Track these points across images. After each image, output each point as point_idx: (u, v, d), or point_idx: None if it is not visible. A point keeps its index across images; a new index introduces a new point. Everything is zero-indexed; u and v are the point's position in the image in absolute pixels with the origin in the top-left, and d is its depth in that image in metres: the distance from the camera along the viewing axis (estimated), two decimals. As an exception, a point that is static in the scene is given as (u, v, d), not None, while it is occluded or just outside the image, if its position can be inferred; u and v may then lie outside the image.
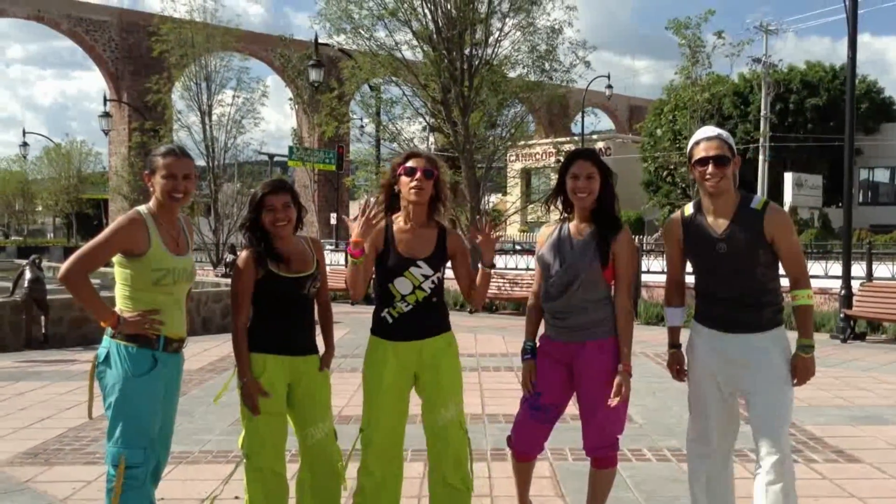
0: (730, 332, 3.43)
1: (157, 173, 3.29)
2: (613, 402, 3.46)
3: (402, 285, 3.52)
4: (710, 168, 3.35)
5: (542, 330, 3.75)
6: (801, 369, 3.40)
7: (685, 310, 3.70)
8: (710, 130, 3.48)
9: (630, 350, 3.54)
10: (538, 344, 3.72)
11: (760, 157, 37.10)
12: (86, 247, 3.25)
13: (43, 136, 78.69)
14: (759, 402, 3.38)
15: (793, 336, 3.45)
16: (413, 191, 3.51)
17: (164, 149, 3.37)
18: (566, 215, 3.67)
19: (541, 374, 3.64)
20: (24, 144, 46.97)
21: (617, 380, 3.47)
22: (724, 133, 3.47)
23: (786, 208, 32.50)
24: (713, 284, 3.47)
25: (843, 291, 12.28)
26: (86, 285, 3.22)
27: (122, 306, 3.28)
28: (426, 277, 3.52)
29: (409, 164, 3.55)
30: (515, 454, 3.78)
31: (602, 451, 3.64)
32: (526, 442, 3.72)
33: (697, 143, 3.43)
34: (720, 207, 3.40)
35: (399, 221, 3.61)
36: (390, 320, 3.55)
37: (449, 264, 3.67)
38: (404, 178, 3.54)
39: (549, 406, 3.63)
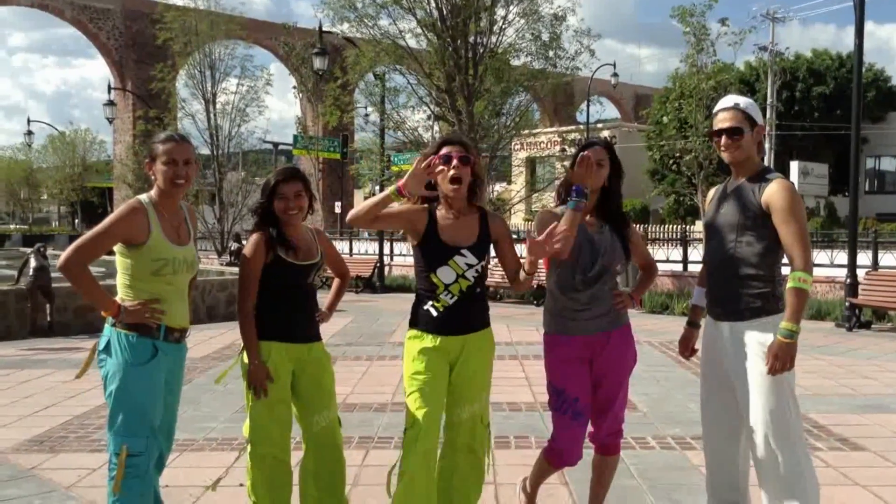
0: (718, 320, 3.38)
1: (158, 160, 3.28)
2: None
3: (444, 274, 3.40)
4: (724, 140, 3.33)
5: (541, 330, 3.69)
6: (774, 353, 3.12)
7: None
8: (728, 101, 3.40)
9: (644, 291, 3.91)
10: (548, 340, 3.63)
11: (766, 146, 36.93)
12: (85, 236, 3.22)
13: (47, 124, 78.41)
14: (748, 407, 3.24)
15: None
16: (452, 181, 3.39)
17: (163, 136, 3.36)
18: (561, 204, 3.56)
19: (572, 377, 3.52)
20: (29, 133, 46.72)
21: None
22: (744, 102, 3.36)
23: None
24: (708, 252, 3.45)
25: (848, 280, 12.26)
26: (85, 275, 3.20)
27: (122, 295, 3.27)
28: (470, 266, 3.41)
29: (444, 151, 3.41)
30: (559, 463, 3.68)
31: (611, 438, 3.67)
32: (576, 454, 3.61)
33: (716, 113, 3.41)
34: (739, 173, 3.38)
35: (441, 210, 3.49)
36: (435, 313, 3.40)
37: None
38: (440, 167, 3.40)
39: (586, 407, 3.56)
